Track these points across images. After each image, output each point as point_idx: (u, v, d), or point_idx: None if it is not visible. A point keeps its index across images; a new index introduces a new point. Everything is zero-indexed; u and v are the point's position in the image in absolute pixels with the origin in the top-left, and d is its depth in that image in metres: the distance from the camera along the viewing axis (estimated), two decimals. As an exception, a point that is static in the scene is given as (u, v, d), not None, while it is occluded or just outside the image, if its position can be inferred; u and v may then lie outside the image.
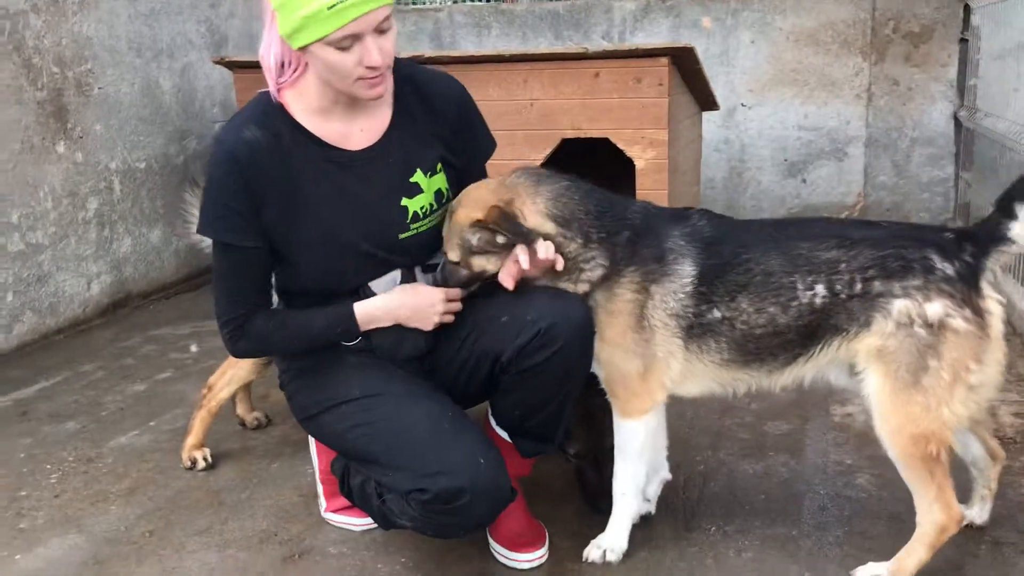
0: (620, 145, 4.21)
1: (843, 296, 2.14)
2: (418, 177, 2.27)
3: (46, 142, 4.48)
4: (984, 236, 2.13)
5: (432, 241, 2.31)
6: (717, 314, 2.21)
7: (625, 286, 2.22)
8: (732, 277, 2.19)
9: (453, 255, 2.26)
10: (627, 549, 2.38)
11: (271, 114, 2.18)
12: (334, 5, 1.94)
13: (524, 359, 2.20)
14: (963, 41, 5.61)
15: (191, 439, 3.01)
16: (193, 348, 4.24)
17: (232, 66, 4.61)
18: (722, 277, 2.20)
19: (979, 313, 2.07)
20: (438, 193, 2.31)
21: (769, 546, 2.43)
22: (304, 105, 2.18)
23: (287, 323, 2.27)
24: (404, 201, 2.26)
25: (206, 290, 5.02)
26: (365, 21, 1.99)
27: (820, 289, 2.15)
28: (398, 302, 2.26)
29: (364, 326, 2.25)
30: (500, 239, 2.20)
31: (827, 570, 2.31)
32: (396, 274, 2.30)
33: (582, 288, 2.25)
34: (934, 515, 2.14)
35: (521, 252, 2.18)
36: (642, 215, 2.29)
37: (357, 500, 2.42)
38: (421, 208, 2.28)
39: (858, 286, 2.13)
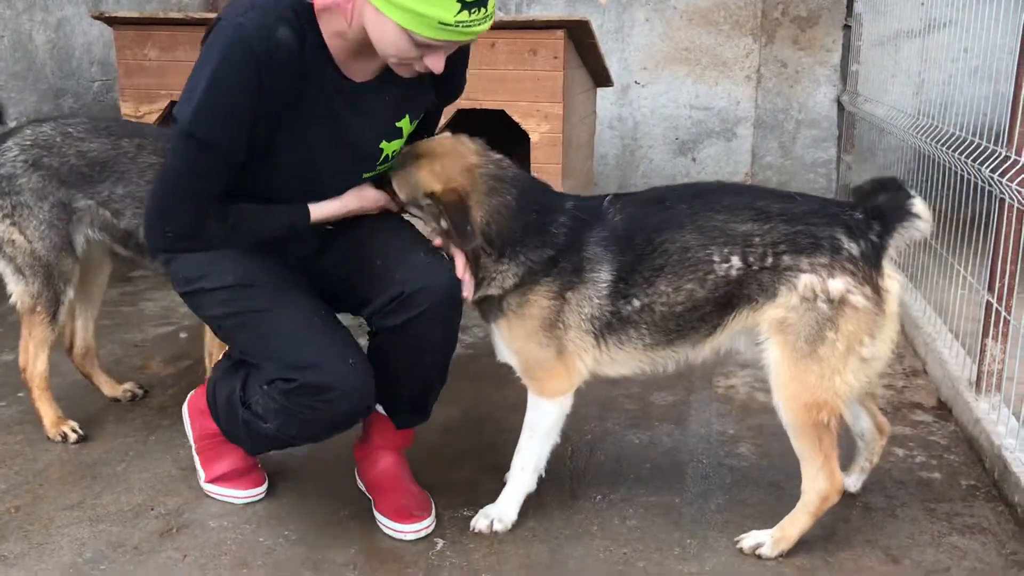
0: (515, 118, 4.20)
1: (755, 268, 2.19)
2: (404, 123, 2.24)
3: (-96, 95, 4.19)
4: (890, 214, 2.19)
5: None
6: (636, 303, 2.24)
7: (540, 294, 2.24)
8: (649, 263, 2.22)
9: (401, 195, 2.30)
10: (515, 519, 2.39)
11: (303, 17, 2.00)
12: (447, 25, 1.87)
13: (383, 318, 2.22)
14: (847, 27, 5.80)
15: (46, 419, 2.87)
16: (67, 317, 4.04)
17: (112, 22, 4.38)
18: (639, 267, 2.22)
19: (878, 291, 2.15)
20: (409, 137, 2.30)
21: (653, 513, 2.48)
22: (333, 29, 2.03)
23: (238, 227, 2.14)
24: (383, 144, 2.22)
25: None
26: (454, 44, 1.96)
27: (736, 261, 2.19)
28: (349, 205, 2.25)
29: (315, 223, 2.22)
30: (443, 223, 2.21)
31: (708, 536, 2.37)
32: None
33: (491, 292, 2.27)
34: (819, 483, 2.21)
35: (457, 252, 2.23)
36: (567, 231, 2.25)
37: (224, 422, 2.39)
38: (392, 152, 2.26)
39: (769, 259, 2.17)
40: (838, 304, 2.13)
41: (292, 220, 2.20)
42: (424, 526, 2.36)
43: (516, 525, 2.39)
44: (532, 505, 2.46)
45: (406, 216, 2.42)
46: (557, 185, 4.22)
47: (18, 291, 2.81)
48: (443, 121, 4.22)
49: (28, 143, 2.78)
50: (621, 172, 6.14)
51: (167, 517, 2.43)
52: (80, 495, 2.55)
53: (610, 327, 2.26)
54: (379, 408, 2.42)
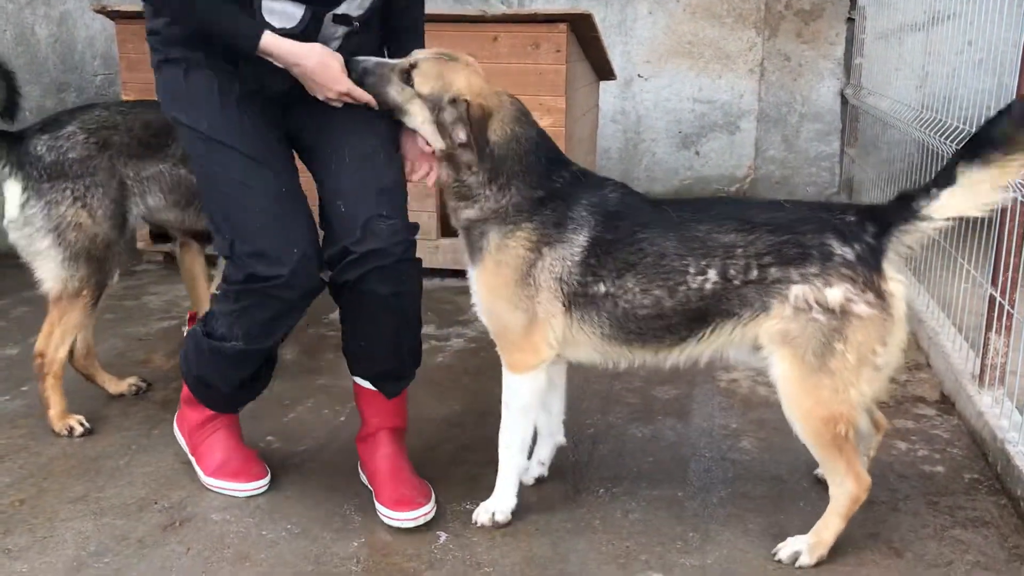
0: (517, 110, 4.19)
1: (737, 282, 2.13)
2: None
3: (-93, 89, 4.18)
4: (888, 216, 2.13)
5: None
6: (602, 288, 2.21)
7: (519, 240, 2.22)
8: (622, 255, 2.19)
9: (424, 88, 2.25)
10: (517, 511, 2.39)
11: None
12: None
13: (338, 274, 2.29)
14: (850, 20, 5.78)
15: (52, 410, 2.87)
16: None
17: (114, 16, 4.39)
18: (612, 253, 2.20)
19: (881, 296, 2.09)
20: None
21: (655, 507, 2.48)
22: None
23: (198, 2, 2.19)
24: None
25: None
26: None
27: (712, 274, 2.14)
28: (304, 58, 2.23)
29: (260, 52, 2.21)
30: (459, 133, 2.21)
31: (711, 529, 2.37)
32: (299, 10, 2.23)
33: (469, 213, 2.27)
34: (847, 487, 2.18)
35: (440, 159, 2.27)
36: (563, 185, 2.27)
37: (195, 368, 2.50)
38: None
39: (754, 272, 2.12)
40: (841, 314, 2.07)
41: (244, 31, 2.20)
42: (422, 513, 2.36)
43: (518, 518, 2.39)
44: (534, 499, 2.47)
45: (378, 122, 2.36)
46: (560, 179, 4.22)
47: (63, 276, 2.81)
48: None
49: (93, 125, 2.88)
50: (624, 166, 6.13)
51: (170, 511, 2.43)
52: (84, 489, 2.56)
53: (576, 300, 2.23)
54: (365, 383, 2.47)
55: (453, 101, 2.22)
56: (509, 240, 2.23)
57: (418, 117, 2.28)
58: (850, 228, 2.13)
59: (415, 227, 2.36)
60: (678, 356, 2.29)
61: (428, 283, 4.32)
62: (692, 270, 2.16)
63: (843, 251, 2.10)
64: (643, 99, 6.07)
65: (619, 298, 2.20)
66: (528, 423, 2.38)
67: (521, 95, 4.13)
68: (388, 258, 2.27)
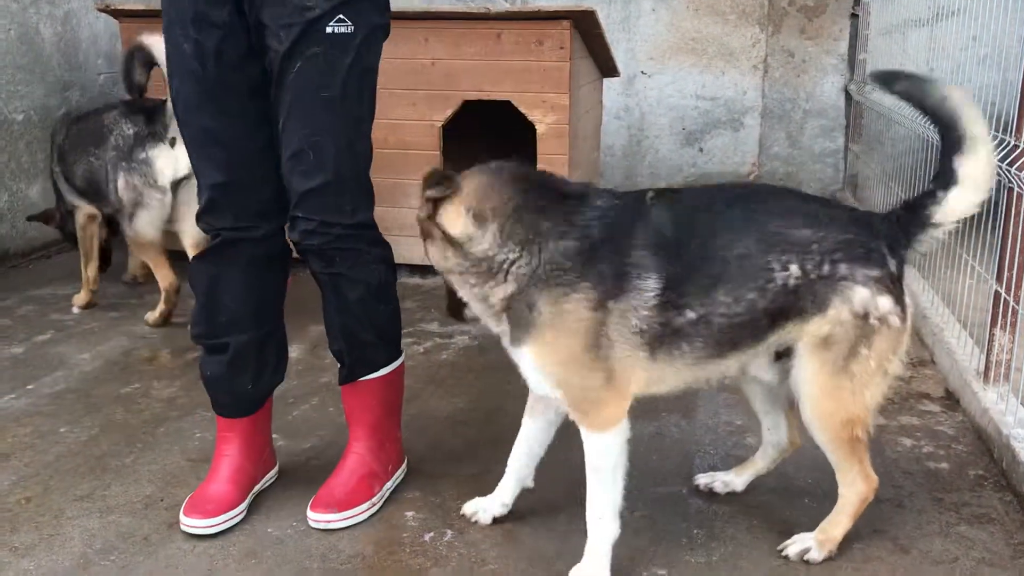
0: (521, 109, 4.20)
1: (812, 276, 2.06)
2: None
3: (-88, 89, 4.20)
4: (907, 226, 2.12)
5: None
6: (691, 315, 2.04)
7: (578, 303, 2.00)
8: (705, 272, 2.05)
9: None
10: (519, 509, 2.39)
11: None
12: None
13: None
14: (854, 16, 5.77)
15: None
16: (75, 309, 4.06)
17: (118, 14, 4.40)
18: (691, 278, 2.04)
19: (904, 307, 2.09)
20: None
21: (660, 504, 2.48)
22: None
23: None
24: None
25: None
26: None
27: (794, 269, 2.06)
28: None
29: None
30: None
31: (716, 526, 2.37)
32: None
33: (499, 292, 2.05)
34: (857, 487, 2.19)
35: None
36: (597, 219, 2.04)
37: (209, 383, 2.48)
38: None
39: (826, 267, 2.06)
40: (879, 322, 2.05)
41: None
42: (327, 519, 2.36)
43: (522, 516, 2.40)
44: (538, 497, 2.47)
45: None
46: (564, 176, 4.21)
47: None
48: (449, 112, 4.23)
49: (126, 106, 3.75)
50: (628, 163, 6.13)
51: (176, 509, 2.43)
52: (90, 487, 2.57)
53: (660, 340, 2.04)
54: (377, 373, 2.45)
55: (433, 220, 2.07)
56: (566, 304, 2.00)
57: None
58: (895, 239, 2.11)
59: (362, 223, 2.31)
60: (747, 362, 2.20)
61: (433, 281, 4.34)
62: (776, 266, 2.06)
63: (890, 261, 2.09)
64: (647, 96, 6.07)
65: (713, 315, 2.05)
66: (620, 481, 2.13)
67: (524, 92, 4.16)
68: (305, 250, 2.30)
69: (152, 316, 3.89)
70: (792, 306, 2.07)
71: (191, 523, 2.33)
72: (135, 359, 3.51)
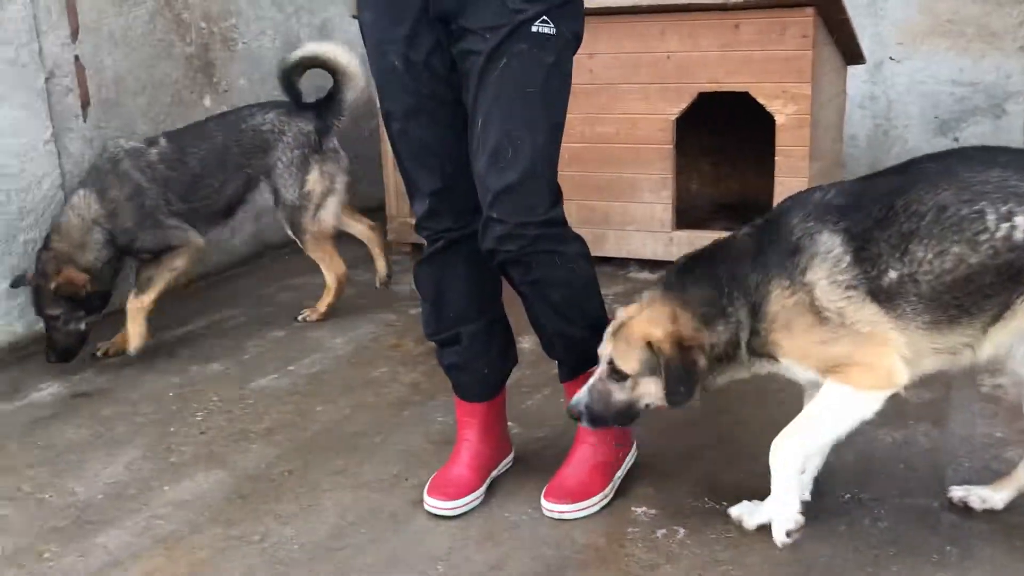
0: (760, 100, 4.09)
1: None
2: None
3: (194, 96, 4.67)
4: None
5: None
6: (894, 274, 1.98)
7: (779, 297, 2.05)
8: (895, 227, 1.97)
9: (628, 365, 2.17)
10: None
11: None
12: None
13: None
14: None
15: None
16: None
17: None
18: (881, 232, 1.98)
19: None
20: None
21: (907, 516, 2.34)
22: None
23: None
24: None
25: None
26: None
27: (1020, 220, 1.90)
28: None
29: None
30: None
31: (972, 545, 2.21)
32: None
33: (743, 356, 2.15)
34: None
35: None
36: (753, 239, 2.15)
37: (449, 370, 2.58)
38: None
39: None
40: None
41: None
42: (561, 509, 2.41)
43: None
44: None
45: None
46: (803, 168, 4.06)
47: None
48: (683, 106, 4.19)
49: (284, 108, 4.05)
50: (873, 153, 5.80)
51: (419, 488, 2.57)
52: (343, 463, 2.76)
53: (880, 296, 1.98)
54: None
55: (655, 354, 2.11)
56: (769, 307, 2.07)
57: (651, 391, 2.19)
58: None
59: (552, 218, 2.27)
60: (1003, 334, 2.02)
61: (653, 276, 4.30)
62: (991, 216, 1.93)
63: None
64: (895, 83, 5.72)
65: (917, 274, 1.97)
66: (828, 445, 2.24)
67: (764, 83, 4.05)
68: (503, 261, 2.28)
69: (315, 312, 4.08)
70: None
71: (435, 503, 2.45)
72: (382, 345, 3.74)
